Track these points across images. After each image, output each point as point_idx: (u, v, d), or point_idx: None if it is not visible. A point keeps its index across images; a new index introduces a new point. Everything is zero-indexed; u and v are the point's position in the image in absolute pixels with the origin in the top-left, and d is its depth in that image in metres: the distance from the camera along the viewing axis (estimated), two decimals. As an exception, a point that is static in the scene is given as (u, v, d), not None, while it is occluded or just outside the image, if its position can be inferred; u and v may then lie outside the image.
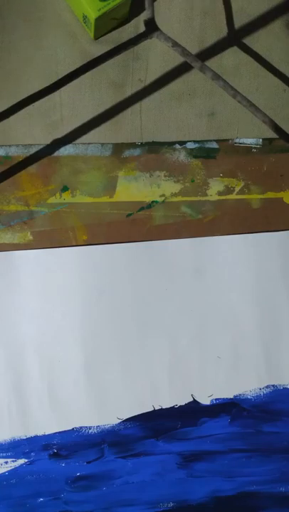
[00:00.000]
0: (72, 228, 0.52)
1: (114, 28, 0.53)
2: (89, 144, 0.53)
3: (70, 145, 0.52)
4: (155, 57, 0.53)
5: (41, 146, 0.52)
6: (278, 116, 0.54)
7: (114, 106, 0.53)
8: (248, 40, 0.54)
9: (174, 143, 0.53)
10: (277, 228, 0.53)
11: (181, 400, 0.51)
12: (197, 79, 0.54)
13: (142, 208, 0.53)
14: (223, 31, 0.54)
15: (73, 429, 0.50)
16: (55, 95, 0.52)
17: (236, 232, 0.53)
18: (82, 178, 0.52)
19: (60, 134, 0.52)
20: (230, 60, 0.54)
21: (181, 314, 0.52)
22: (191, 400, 0.51)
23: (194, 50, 0.54)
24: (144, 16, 0.46)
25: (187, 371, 0.51)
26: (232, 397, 0.51)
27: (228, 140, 0.54)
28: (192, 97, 0.54)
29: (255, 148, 0.54)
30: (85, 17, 0.50)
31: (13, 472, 0.49)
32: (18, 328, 0.50)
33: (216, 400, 0.51)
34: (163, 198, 0.53)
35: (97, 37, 0.53)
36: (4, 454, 0.49)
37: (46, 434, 0.49)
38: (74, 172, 0.52)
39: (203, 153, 0.53)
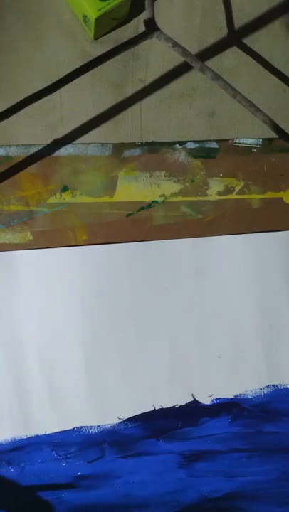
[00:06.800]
0: (72, 228, 0.52)
1: (114, 28, 0.53)
2: (89, 144, 0.53)
3: (70, 145, 0.52)
4: (155, 57, 0.53)
5: (41, 146, 0.52)
6: (278, 116, 0.54)
7: (114, 106, 0.53)
8: (248, 40, 0.54)
9: (174, 143, 0.53)
10: (277, 228, 0.53)
11: (182, 399, 0.51)
12: (197, 79, 0.54)
13: (142, 208, 0.53)
14: (223, 31, 0.54)
15: (74, 428, 0.50)
16: (55, 95, 0.52)
17: (236, 232, 0.53)
18: (82, 178, 0.52)
19: (60, 134, 0.52)
20: (231, 60, 0.54)
21: (182, 314, 0.52)
22: (192, 399, 0.51)
23: (194, 50, 0.54)
24: (144, 15, 0.46)
25: (188, 371, 0.51)
26: (232, 397, 0.51)
27: (228, 140, 0.54)
28: (192, 97, 0.54)
29: (255, 148, 0.54)
30: (85, 17, 0.50)
31: (13, 472, 0.49)
32: (19, 328, 0.50)
33: (216, 399, 0.51)
34: (163, 198, 0.53)
35: (97, 37, 0.53)
36: (5, 455, 0.49)
37: (47, 433, 0.49)
38: (74, 172, 0.52)
39: (203, 153, 0.54)
